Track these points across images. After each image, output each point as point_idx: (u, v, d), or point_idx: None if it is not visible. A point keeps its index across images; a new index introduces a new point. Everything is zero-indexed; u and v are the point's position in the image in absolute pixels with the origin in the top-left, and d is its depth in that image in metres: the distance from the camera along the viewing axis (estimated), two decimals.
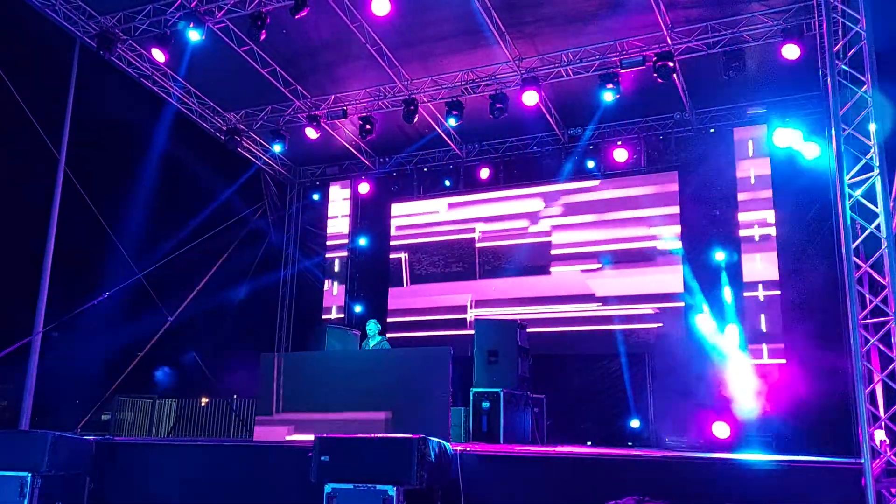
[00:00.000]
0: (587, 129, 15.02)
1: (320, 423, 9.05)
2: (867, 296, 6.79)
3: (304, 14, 11.15)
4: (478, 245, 15.81)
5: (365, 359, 10.60)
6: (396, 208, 17.09)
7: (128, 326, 13.91)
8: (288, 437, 9.50)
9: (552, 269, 14.99)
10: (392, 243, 16.79)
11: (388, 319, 16.23)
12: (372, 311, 15.92)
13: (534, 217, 15.53)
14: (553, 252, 15.08)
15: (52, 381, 12.42)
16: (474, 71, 13.47)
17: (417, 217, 16.66)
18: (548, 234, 15.27)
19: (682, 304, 13.81)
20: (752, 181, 13.73)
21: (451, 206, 16.40)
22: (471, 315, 15.28)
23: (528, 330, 11.67)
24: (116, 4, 12.24)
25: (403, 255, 16.48)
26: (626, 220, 14.67)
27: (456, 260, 15.93)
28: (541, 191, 15.58)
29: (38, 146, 12.48)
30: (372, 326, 11.27)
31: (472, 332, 11.92)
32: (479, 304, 15.44)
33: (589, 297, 14.61)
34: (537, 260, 15.16)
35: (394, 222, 16.96)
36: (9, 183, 12.11)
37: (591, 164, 15.18)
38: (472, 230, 15.90)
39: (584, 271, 14.72)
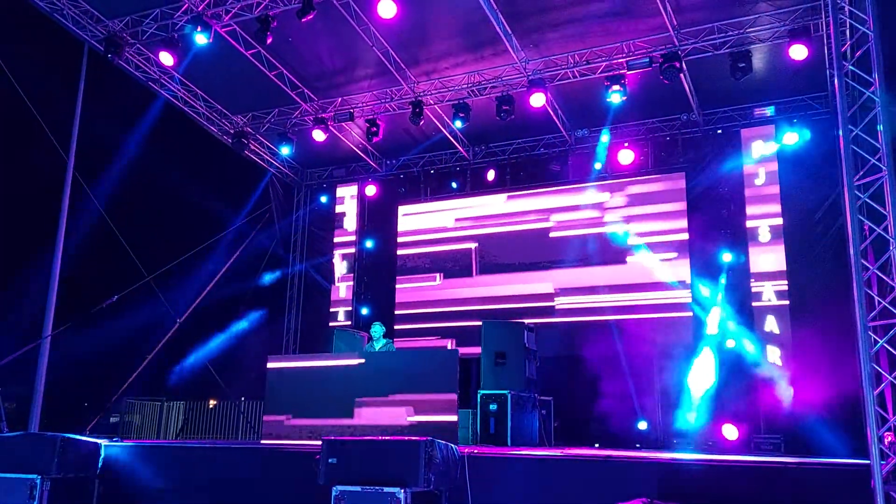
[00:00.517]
0: (595, 131, 15.01)
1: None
2: (875, 298, 6.76)
3: (310, 18, 11.19)
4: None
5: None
6: (403, 210, 17.10)
7: (136, 329, 13.94)
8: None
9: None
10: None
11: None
12: (379, 313, 15.96)
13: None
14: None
15: (61, 384, 12.48)
16: (481, 73, 13.47)
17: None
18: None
19: (689, 302, 13.81)
20: (760, 181, 13.68)
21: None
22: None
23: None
24: (124, 8, 12.32)
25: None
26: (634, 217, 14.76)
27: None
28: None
29: (46, 149, 12.56)
30: (377, 329, 11.27)
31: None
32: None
33: (594, 290, 14.78)
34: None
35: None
36: (18, 185, 12.16)
37: (597, 165, 15.15)
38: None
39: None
